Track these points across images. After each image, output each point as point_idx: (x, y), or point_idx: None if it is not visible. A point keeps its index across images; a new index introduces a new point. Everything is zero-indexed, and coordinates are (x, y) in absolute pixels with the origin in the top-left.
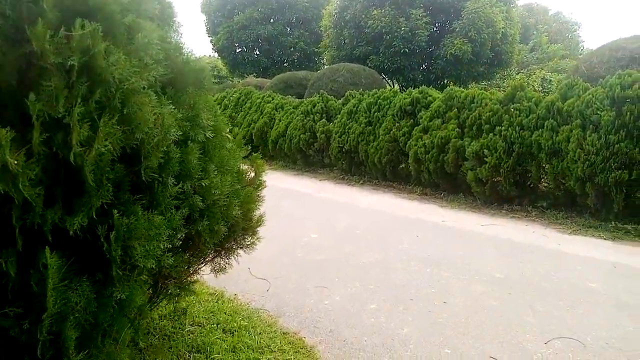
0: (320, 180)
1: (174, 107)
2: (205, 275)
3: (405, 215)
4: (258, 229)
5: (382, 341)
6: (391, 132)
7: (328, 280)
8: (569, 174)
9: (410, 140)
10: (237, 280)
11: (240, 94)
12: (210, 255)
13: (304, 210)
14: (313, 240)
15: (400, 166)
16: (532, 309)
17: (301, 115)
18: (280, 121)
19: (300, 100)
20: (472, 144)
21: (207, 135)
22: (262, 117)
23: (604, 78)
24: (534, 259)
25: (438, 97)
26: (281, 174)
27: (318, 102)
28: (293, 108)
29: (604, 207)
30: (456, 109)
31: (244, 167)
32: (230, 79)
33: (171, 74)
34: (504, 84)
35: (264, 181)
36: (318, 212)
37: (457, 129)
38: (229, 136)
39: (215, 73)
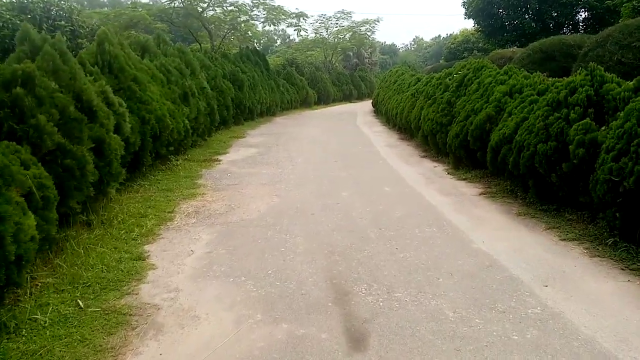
0: (562, 239)
1: None
2: None
3: None
4: None
5: None
6: None
7: None
8: None
9: None
10: None
11: (467, 70)
12: None
13: None
14: None
15: None
16: None
17: (546, 107)
18: (510, 116)
19: (553, 80)
20: None
21: None
22: (487, 107)
23: None
24: None
25: None
26: (494, 209)
27: (582, 85)
28: (537, 94)
29: None
30: None
31: None
32: (492, 51)
33: None
34: None
35: None
36: None
37: None
38: None
39: (468, 46)
